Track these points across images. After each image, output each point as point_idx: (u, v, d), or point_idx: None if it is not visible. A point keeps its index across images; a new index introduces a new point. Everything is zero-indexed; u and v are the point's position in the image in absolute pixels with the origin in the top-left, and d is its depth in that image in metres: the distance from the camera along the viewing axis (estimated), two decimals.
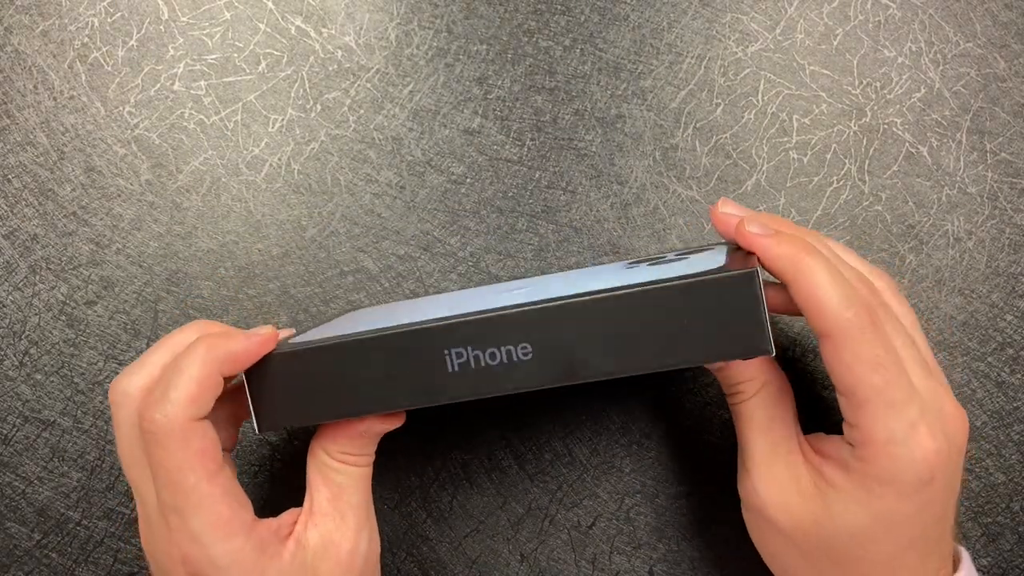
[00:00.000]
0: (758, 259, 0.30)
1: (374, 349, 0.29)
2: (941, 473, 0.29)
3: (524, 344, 0.28)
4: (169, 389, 0.28)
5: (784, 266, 0.29)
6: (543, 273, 0.39)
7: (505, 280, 0.40)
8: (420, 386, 0.29)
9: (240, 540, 0.29)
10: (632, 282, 0.29)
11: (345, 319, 0.36)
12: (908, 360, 0.30)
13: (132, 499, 0.40)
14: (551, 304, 0.28)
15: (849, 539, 0.30)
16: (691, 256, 0.33)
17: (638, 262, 0.35)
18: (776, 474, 0.32)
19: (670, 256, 0.35)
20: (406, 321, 0.30)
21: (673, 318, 0.27)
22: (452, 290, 0.40)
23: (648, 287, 0.27)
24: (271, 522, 0.31)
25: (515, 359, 0.28)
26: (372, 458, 0.33)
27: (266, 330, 0.30)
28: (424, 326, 0.29)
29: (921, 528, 0.30)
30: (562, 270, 0.40)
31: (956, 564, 0.32)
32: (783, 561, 0.33)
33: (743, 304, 0.27)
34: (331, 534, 0.31)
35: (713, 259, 0.31)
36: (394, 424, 0.33)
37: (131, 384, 0.30)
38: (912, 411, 0.29)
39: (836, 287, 0.28)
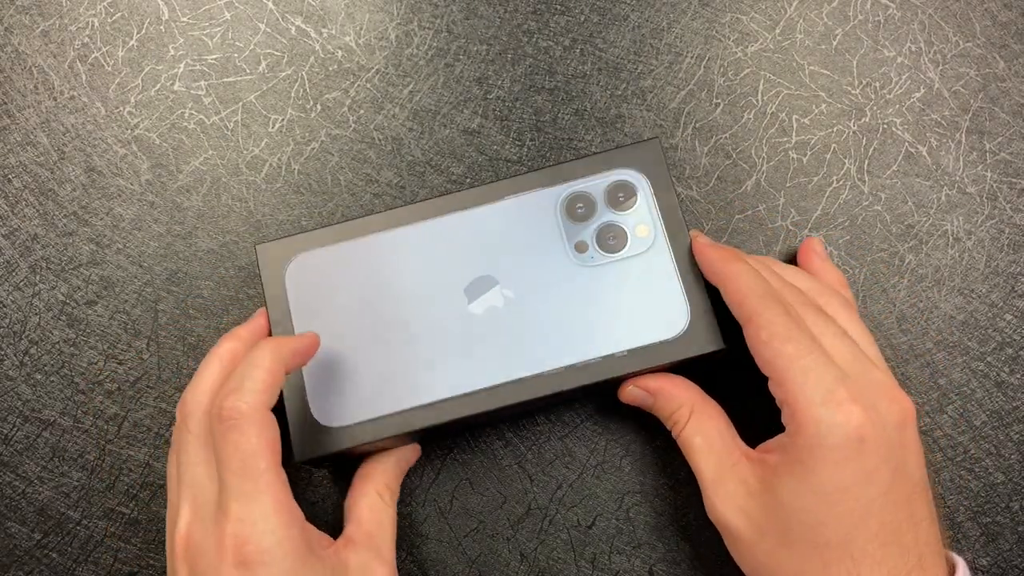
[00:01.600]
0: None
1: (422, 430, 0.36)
2: (873, 441, 0.30)
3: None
4: (245, 380, 0.31)
5: (716, 269, 0.35)
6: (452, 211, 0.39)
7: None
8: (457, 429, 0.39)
9: (296, 530, 0.30)
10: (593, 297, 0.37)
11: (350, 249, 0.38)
12: (829, 341, 0.33)
13: (132, 499, 0.40)
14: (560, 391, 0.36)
15: (801, 526, 0.31)
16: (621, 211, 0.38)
17: (570, 203, 0.38)
18: (727, 487, 0.34)
19: (590, 187, 0.38)
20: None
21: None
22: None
23: (633, 372, 0.36)
24: (315, 529, 0.33)
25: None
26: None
27: (310, 337, 0.35)
28: (467, 419, 0.36)
29: (866, 505, 0.30)
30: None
31: (952, 572, 0.32)
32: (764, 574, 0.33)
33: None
34: (370, 563, 0.33)
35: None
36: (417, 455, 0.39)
37: (201, 391, 0.33)
38: (828, 376, 0.31)
39: (754, 281, 0.33)
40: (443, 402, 0.35)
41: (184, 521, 0.31)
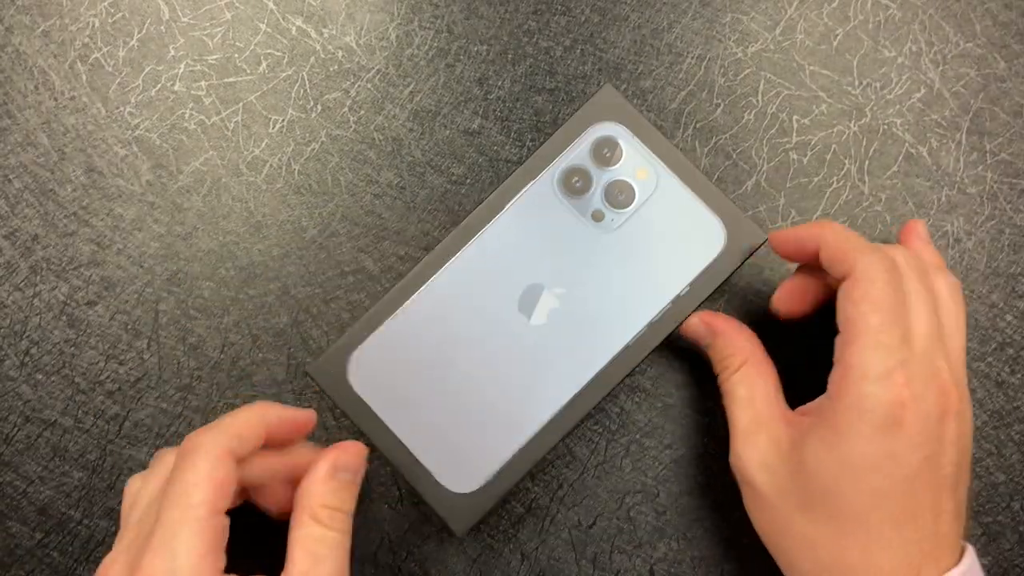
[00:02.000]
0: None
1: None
2: (910, 426, 0.30)
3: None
4: (221, 422, 0.31)
5: (811, 232, 0.34)
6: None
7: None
8: None
9: (209, 569, 0.28)
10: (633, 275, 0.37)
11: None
12: (916, 313, 0.32)
13: None
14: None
15: (822, 493, 0.31)
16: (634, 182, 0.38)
17: (568, 178, 0.38)
18: (757, 441, 0.34)
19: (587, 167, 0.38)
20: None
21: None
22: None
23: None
24: None
25: None
26: (350, 522, 0.32)
27: (308, 412, 0.34)
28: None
29: (889, 486, 0.30)
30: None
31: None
32: (776, 537, 0.33)
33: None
34: None
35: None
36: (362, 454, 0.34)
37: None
38: (895, 358, 0.30)
39: (856, 236, 0.33)
40: (556, 417, 0.36)
41: (111, 554, 0.30)
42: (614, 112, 0.38)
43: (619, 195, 0.37)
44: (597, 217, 0.37)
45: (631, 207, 0.37)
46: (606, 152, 0.37)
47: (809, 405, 0.34)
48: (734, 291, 0.41)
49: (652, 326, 0.36)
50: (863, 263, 0.31)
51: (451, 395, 0.36)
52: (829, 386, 0.32)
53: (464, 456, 0.36)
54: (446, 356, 0.36)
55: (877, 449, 0.30)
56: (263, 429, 0.32)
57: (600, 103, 0.38)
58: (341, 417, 0.40)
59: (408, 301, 0.37)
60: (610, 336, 0.36)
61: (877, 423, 0.30)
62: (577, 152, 0.38)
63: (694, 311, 0.37)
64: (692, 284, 0.36)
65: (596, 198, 0.37)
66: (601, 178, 0.37)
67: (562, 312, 0.36)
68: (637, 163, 0.37)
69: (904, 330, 0.31)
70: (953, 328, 0.34)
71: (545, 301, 0.36)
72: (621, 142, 0.38)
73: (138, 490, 0.32)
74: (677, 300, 0.36)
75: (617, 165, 0.37)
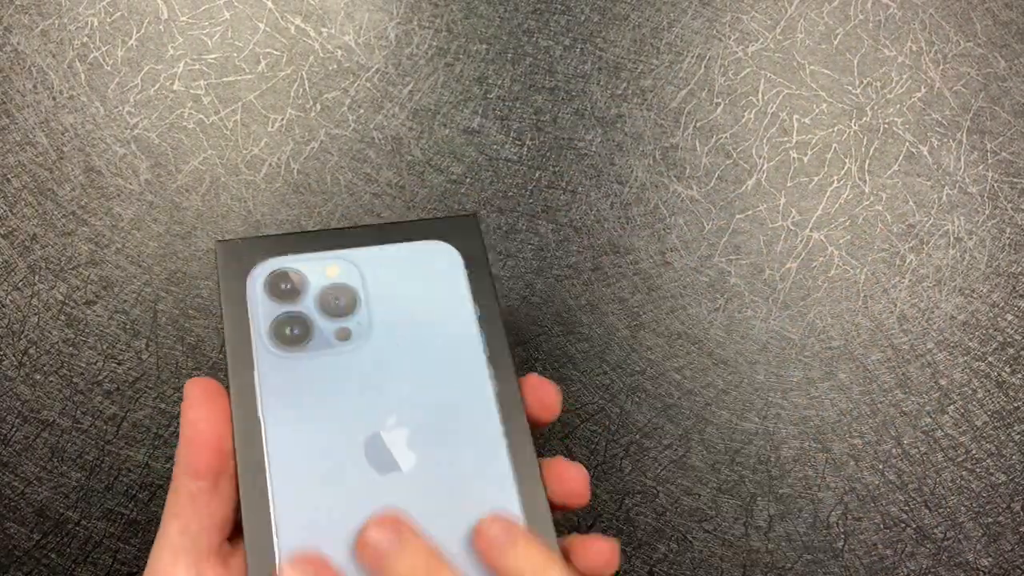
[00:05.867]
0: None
1: None
2: None
3: None
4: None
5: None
6: None
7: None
8: None
9: None
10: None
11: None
12: None
13: (131, 500, 0.40)
14: None
15: None
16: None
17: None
18: None
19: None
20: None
21: None
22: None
23: None
24: None
25: None
26: None
27: None
28: None
29: None
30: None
31: None
32: None
33: None
34: None
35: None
36: None
37: None
38: None
39: None
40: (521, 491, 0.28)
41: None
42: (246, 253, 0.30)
43: (337, 301, 0.30)
44: (342, 336, 0.29)
45: (361, 300, 0.30)
46: (283, 286, 0.30)
47: None
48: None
49: (492, 360, 0.29)
50: None
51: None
52: None
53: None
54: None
55: None
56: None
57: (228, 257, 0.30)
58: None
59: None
60: (473, 399, 0.29)
61: None
62: (258, 308, 0.29)
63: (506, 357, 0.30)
64: (477, 304, 0.30)
65: (326, 330, 0.29)
66: (308, 304, 0.30)
67: (417, 431, 0.28)
68: (314, 267, 0.30)
69: None
70: None
71: (393, 441, 0.28)
72: (285, 266, 0.30)
73: None
74: (483, 324, 0.30)
75: (305, 289, 0.30)
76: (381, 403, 0.29)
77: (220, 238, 0.30)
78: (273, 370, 0.29)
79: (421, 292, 0.30)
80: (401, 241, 0.31)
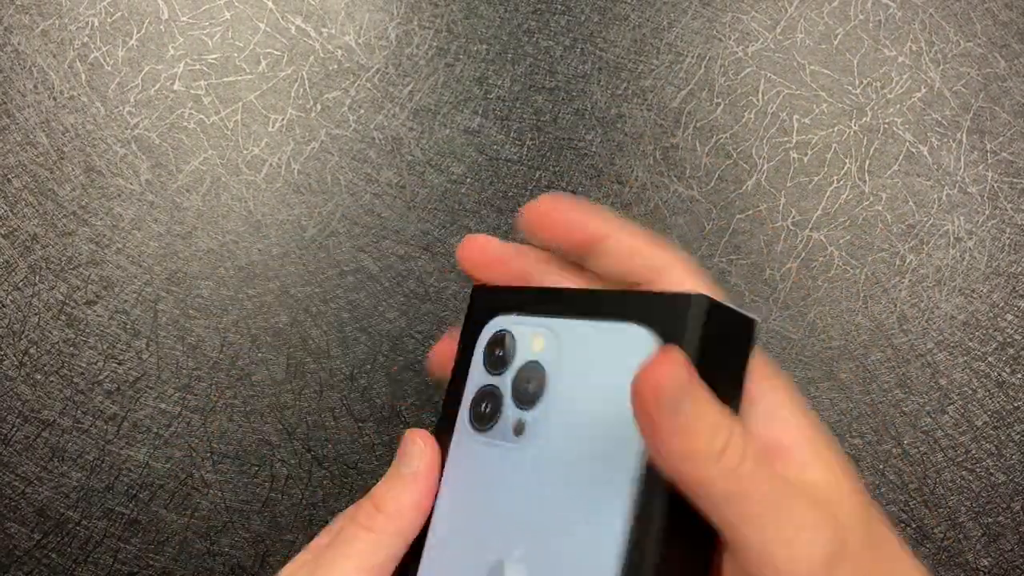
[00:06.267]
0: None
1: None
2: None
3: None
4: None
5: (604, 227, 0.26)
6: None
7: None
8: None
9: None
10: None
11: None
12: None
13: (131, 500, 0.40)
14: None
15: None
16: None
17: None
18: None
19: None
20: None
21: None
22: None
23: None
24: None
25: None
26: None
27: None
28: None
29: None
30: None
31: None
32: None
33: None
34: None
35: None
36: None
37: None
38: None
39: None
40: None
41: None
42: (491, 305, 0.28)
43: (527, 385, 0.26)
44: (518, 431, 0.26)
45: (546, 389, 0.26)
46: (497, 353, 0.27)
47: None
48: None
49: (637, 520, 0.23)
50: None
51: None
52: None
53: None
54: None
55: None
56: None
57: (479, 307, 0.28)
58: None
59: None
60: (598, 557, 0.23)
61: None
62: (474, 372, 0.28)
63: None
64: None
65: (509, 418, 0.26)
66: (506, 381, 0.27)
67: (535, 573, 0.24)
68: (525, 334, 0.27)
69: None
70: None
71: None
72: (505, 328, 0.27)
73: None
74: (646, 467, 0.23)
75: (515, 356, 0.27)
76: (520, 524, 0.25)
77: (476, 284, 0.28)
78: (459, 447, 0.27)
79: (603, 394, 0.24)
80: (637, 318, 0.24)
